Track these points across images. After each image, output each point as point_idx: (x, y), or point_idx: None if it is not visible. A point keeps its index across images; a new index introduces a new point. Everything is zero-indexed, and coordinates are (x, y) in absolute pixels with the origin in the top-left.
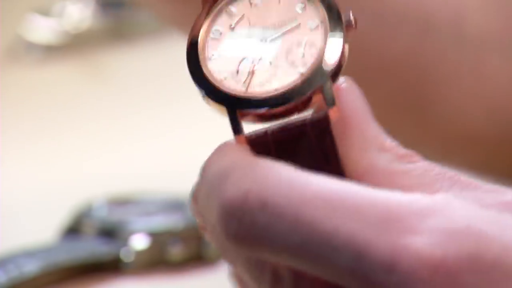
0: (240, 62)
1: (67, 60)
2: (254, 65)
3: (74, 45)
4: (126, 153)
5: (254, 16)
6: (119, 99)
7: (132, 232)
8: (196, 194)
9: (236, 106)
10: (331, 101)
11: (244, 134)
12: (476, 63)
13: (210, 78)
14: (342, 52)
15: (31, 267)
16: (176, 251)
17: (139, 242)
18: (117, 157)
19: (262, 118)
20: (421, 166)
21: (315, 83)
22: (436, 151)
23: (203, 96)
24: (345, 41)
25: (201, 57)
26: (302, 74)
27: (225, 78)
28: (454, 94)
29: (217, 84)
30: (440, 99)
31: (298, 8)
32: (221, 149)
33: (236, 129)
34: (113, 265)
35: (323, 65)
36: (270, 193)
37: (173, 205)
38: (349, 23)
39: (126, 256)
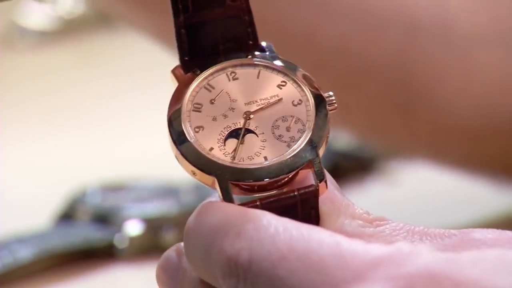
0: (225, 134)
1: (61, 45)
2: (241, 137)
3: (68, 30)
4: (120, 139)
5: (234, 91)
6: (113, 84)
7: (126, 218)
8: (186, 247)
9: (228, 178)
10: (321, 176)
11: (236, 203)
12: (465, 61)
13: (198, 148)
14: (328, 129)
15: (25, 253)
16: (170, 237)
17: (133, 228)
18: (111, 143)
19: (250, 189)
20: (389, 227)
21: (305, 158)
22: (426, 147)
23: (192, 171)
24: (329, 117)
25: (185, 129)
26: (292, 149)
27: (212, 149)
28: (442, 91)
29: (206, 155)
30: (429, 97)
31: (278, 83)
32: (209, 207)
33: (228, 199)
34: (107, 251)
35: (312, 140)
36: (255, 252)
37: (167, 191)
38: (330, 100)
39: (120, 242)
